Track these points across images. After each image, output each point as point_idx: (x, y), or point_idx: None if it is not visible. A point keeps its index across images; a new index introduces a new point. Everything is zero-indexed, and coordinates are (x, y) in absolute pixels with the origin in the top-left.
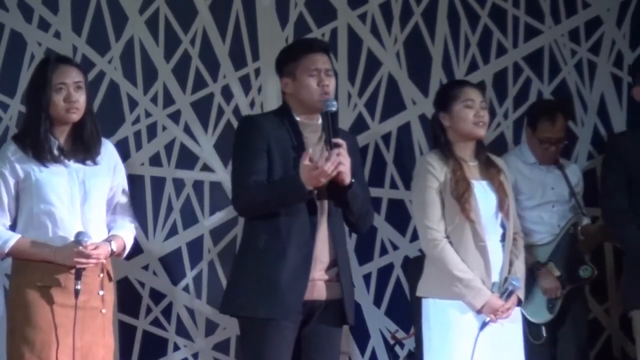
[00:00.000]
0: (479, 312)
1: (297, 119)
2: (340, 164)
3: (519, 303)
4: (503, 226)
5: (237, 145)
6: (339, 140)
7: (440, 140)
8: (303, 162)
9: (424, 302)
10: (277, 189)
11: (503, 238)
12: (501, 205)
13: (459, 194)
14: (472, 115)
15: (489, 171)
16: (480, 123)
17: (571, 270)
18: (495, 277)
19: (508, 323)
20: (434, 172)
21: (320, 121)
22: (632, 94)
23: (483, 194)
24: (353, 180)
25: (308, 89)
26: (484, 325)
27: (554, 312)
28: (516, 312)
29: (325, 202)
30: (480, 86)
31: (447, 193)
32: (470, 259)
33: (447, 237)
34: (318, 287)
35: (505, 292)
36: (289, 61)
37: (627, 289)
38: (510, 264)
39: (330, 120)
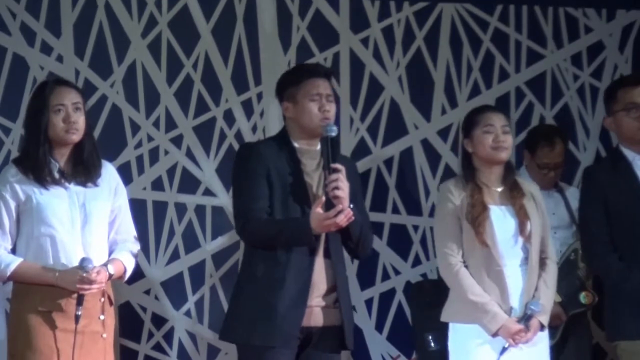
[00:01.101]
0: (494, 335)
1: (296, 145)
2: (338, 189)
3: (542, 328)
4: (525, 250)
5: (237, 172)
6: (338, 166)
7: (464, 166)
8: (315, 210)
9: (451, 326)
10: (285, 230)
11: (525, 262)
12: (521, 229)
13: (474, 218)
14: (490, 140)
15: (512, 195)
16: (499, 147)
17: (572, 296)
18: (515, 302)
19: (528, 347)
20: (452, 197)
21: (319, 147)
22: (603, 123)
23: (500, 219)
24: (352, 206)
25: (309, 114)
26: (503, 350)
27: (556, 337)
28: (539, 337)
29: None
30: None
31: (464, 217)
32: (486, 284)
33: (464, 261)
34: (315, 313)
35: (524, 317)
36: (290, 85)
37: (609, 320)
38: (536, 289)
39: (330, 145)
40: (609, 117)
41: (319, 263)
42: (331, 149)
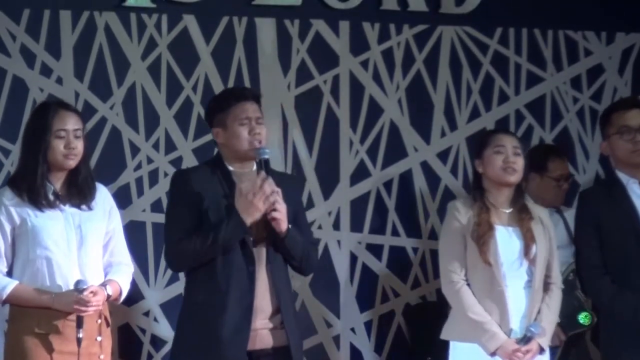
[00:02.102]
0: (492, 355)
1: (231, 168)
2: (275, 210)
3: (542, 351)
4: (530, 273)
5: (169, 201)
6: (274, 188)
7: (474, 186)
8: (239, 186)
9: (451, 344)
10: (212, 229)
11: (529, 285)
12: (526, 252)
13: (479, 236)
14: (501, 161)
15: (520, 217)
16: (509, 169)
17: (571, 317)
18: (515, 324)
19: None
20: (458, 215)
21: (254, 167)
22: (600, 148)
23: (506, 239)
24: (290, 226)
25: (239, 138)
26: None
27: (554, 359)
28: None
29: (263, 250)
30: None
31: (469, 235)
32: (486, 303)
33: (466, 279)
34: (261, 336)
35: (524, 339)
36: (218, 111)
37: (605, 345)
38: (539, 312)
39: (264, 168)
40: (605, 142)
41: (261, 286)
42: (265, 171)
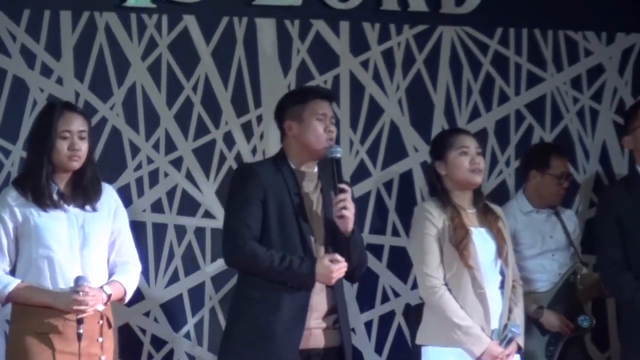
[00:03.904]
0: (478, 359)
1: (293, 167)
2: (345, 208)
3: (519, 350)
4: (502, 273)
5: (233, 194)
6: (345, 186)
7: (437, 189)
8: (324, 261)
9: (424, 350)
10: (287, 270)
11: (502, 285)
12: (500, 252)
13: (458, 241)
14: (467, 163)
15: (488, 218)
16: (476, 170)
17: (570, 319)
18: (495, 324)
19: None
20: (432, 219)
21: (316, 169)
22: (621, 142)
23: (482, 241)
24: (354, 228)
25: (315, 133)
26: None
27: (554, 357)
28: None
29: (322, 249)
30: (481, 134)
31: (446, 240)
32: (469, 306)
33: (446, 284)
34: (315, 335)
35: (505, 339)
36: (296, 103)
37: (626, 341)
38: (510, 311)
39: (336, 166)
40: (629, 135)
41: (318, 285)
42: (337, 170)
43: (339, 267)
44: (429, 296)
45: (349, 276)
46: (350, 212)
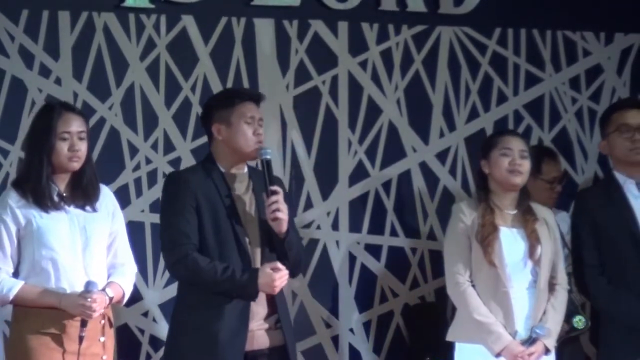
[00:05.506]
0: (497, 356)
1: (222, 170)
2: (278, 210)
3: (547, 352)
4: (534, 273)
5: (166, 203)
6: (276, 188)
7: (479, 187)
8: (266, 270)
9: (457, 346)
10: (229, 281)
11: (533, 286)
12: (531, 252)
13: (483, 237)
14: (507, 163)
15: (525, 219)
16: (515, 171)
17: (566, 320)
18: (520, 324)
19: None
20: (463, 217)
21: (246, 170)
22: (598, 147)
23: (511, 240)
24: (289, 227)
25: (244, 136)
26: None
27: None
28: None
29: (258, 250)
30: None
31: (474, 237)
32: (490, 305)
33: (471, 281)
34: (258, 336)
35: (529, 340)
36: (223, 107)
37: (602, 345)
38: (544, 312)
39: (267, 168)
40: (604, 140)
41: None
42: (268, 171)
43: (281, 276)
44: (453, 292)
45: (289, 272)
46: (283, 214)
